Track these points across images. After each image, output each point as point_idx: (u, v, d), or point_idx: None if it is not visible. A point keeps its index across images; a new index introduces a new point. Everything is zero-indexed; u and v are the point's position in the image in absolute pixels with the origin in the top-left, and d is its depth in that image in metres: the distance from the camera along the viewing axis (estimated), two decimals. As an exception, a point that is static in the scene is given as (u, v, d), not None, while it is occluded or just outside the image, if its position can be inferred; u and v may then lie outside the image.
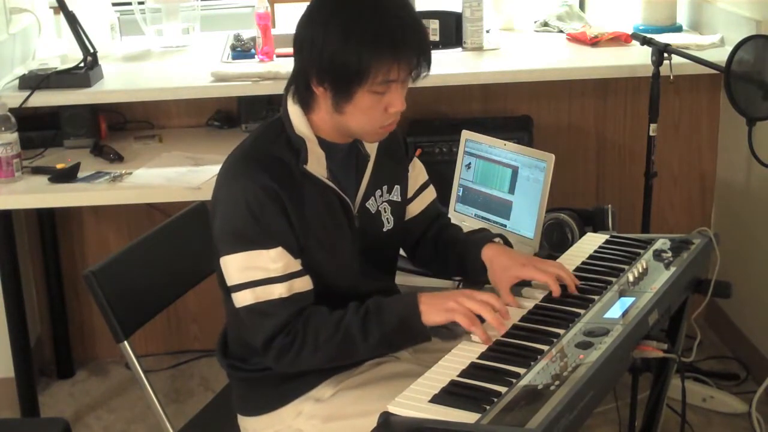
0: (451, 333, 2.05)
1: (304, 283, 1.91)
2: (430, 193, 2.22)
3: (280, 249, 1.87)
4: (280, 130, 1.95)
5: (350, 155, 2.02)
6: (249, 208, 1.86)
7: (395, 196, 2.11)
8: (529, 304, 1.91)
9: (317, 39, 1.83)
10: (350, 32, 1.80)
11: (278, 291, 1.87)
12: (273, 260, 1.87)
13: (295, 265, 1.90)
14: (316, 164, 1.94)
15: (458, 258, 2.13)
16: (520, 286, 2.00)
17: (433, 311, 1.84)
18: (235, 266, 1.89)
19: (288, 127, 1.94)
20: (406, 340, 1.91)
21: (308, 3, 1.91)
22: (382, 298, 1.91)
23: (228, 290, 1.94)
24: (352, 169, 2.03)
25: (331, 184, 1.95)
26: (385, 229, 2.08)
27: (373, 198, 2.05)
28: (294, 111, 1.94)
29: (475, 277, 2.13)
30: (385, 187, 2.08)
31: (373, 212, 2.05)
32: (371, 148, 2.05)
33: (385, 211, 2.08)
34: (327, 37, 1.82)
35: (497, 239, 2.12)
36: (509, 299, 1.94)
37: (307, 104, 1.93)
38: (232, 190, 1.89)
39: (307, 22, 1.88)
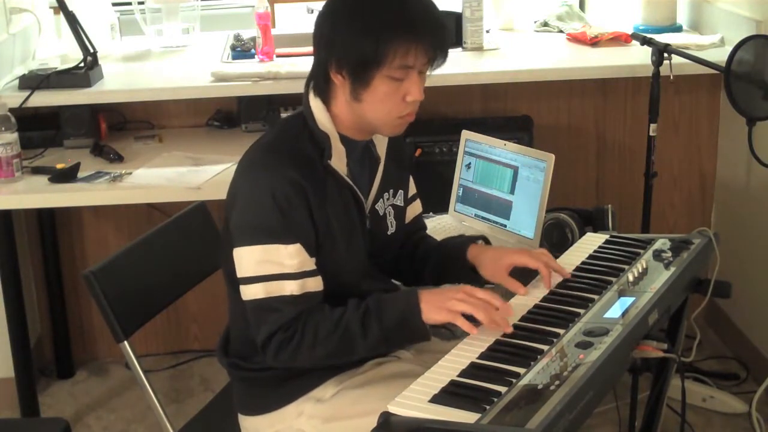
0: (451, 334, 2.05)
1: (316, 283, 1.91)
2: (417, 207, 2.22)
3: (298, 245, 1.87)
4: (303, 125, 1.95)
5: (364, 155, 2.03)
6: (275, 200, 1.85)
7: (399, 200, 2.12)
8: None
9: (335, 26, 1.85)
10: (368, 16, 1.82)
11: (290, 288, 1.87)
12: (290, 256, 1.86)
13: (310, 263, 1.90)
14: (338, 160, 1.94)
15: (438, 263, 2.12)
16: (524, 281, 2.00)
17: (433, 309, 1.84)
18: (251, 258, 1.88)
19: (311, 121, 1.94)
20: (405, 338, 1.91)
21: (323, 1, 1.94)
22: (382, 294, 1.90)
23: (235, 283, 1.94)
24: (366, 169, 2.04)
25: (350, 181, 1.96)
26: (389, 233, 2.09)
27: (381, 200, 2.06)
28: (316, 105, 1.94)
29: (462, 280, 2.13)
30: (391, 191, 2.09)
31: (381, 214, 2.06)
32: (381, 151, 2.06)
33: (390, 215, 2.09)
34: (345, 23, 1.84)
35: (479, 241, 2.13)
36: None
37: (326, 95, 1.93)
38: (258, 182, 1.88)
39: (325, 14, 1.90)
